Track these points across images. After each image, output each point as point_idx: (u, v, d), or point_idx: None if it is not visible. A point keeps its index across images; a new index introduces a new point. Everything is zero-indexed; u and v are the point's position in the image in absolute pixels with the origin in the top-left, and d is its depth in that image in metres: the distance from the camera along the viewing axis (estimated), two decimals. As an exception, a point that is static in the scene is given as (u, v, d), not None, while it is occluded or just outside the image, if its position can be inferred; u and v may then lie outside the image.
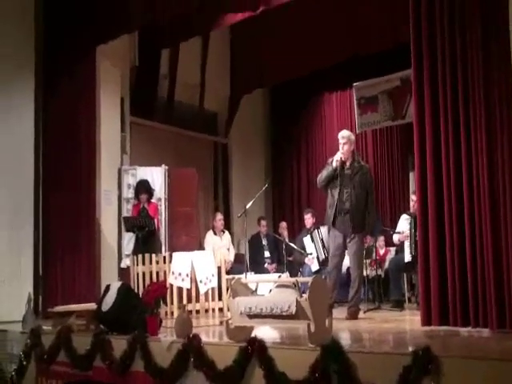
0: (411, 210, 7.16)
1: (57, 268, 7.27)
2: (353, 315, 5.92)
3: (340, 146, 6.09)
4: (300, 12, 8.14)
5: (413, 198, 7.09)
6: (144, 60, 8.97)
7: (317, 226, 8.31)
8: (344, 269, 6.59)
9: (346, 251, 6.18)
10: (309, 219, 8.53)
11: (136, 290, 6.43)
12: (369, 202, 6.01)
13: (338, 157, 6.03)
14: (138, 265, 7.01)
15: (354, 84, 9.66)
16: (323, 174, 6.14)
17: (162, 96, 9.45)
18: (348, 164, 6.07)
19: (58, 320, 5.56)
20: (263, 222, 9.33)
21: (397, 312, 6.57)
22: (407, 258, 6.80)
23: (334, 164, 6.02)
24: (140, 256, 7.02)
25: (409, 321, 5.95)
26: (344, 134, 6.12)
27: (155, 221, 7.72)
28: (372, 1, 8.03)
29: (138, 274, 6.97)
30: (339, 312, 6.00)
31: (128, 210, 8.14)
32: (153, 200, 8.10)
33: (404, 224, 7.07)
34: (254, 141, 10.88)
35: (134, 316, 5.05)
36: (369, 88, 9.55)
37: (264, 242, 9.20)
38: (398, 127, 9.75)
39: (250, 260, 8.35)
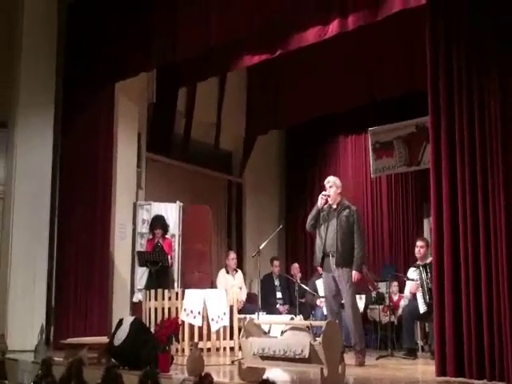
0: (418, 256, 7.13)
1: (70, 300, 7.28)
2: (362, 361, 5.86)
3: (327, 190, 6.24)
4: (317, 55, 8.29)
5: (421, 244, 7.07)
6: (161, 97, 9.13)
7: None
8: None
9: None
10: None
11: (147, 325, 6.43)
12: (355, 238, 6.06)
13: (324, 193, 6.21)
14: (150, 300, 7.01)
15: (370, 129, 9.76)
16: (310, 215, 6.29)
17: (179, 133, 9.56)
18: (335, 206, 6.19)
19: (69, 352, 5.56)
20: (276, 263, 9.31)
21: (410, 360, 6.50)
22: (422, 308, 6.72)
23: (319, 201, 6.17)
24: (153, 291, 7.03)
25: (422, 370, 5.89)
26: (330, 179, 6.35)
27: (169, 256, 7.74)
28: (390, 47, 8.17)
29: (150, 309, 6.97)
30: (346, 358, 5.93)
31: (142, 245, 8.18)
32: (167, 236, 8.14)
33: (412, 276, 7.05)
34: (268, 181, 10.95)
35: (145, 351, 5.06)
36: (384, 133, 9.64)
37: (276, 282, 9.17)
38: (412, 173, 9.78)
39: (261, 300, 8.33)
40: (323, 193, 6.23)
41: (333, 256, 6.05)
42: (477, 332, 4.64)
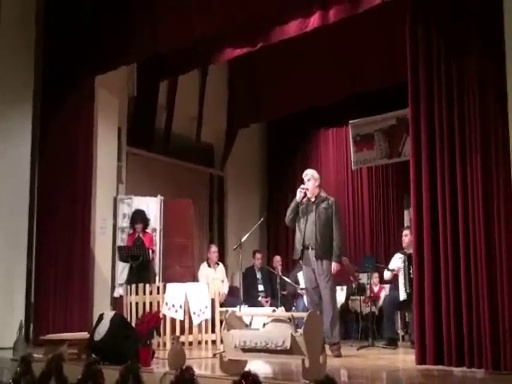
0: (404, 245, 7.21)
1: (49, 296, 7.21)
2: (338, 353, 5.87)
3: (305, 183, 6.24)
4: (298, 49, 8.28)
5: (405, 233, 7.13)
6: (142, 91, 9.04)
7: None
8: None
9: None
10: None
11: (129, 320, 6.39)
12: (334, 230, 6.06)
13: (302, 186, 6.21)
14: (131, 294, 6.98)
15: (350, 121, 9.78)
16: (289, 209, 6.29)
17: (160, 127, 9.51)
18: (313, 199, 6.20)
19: (49, 348, 5.50)
20: (258, 255, 9.33)
21: (390, 350, 6.56)
22: (402, 296, 6.80)
23: (298, 195, 6.17)
24: (134, 286, 7.00)
25: (402, 359, 5.93)
26: (307, 172, 6.34)
27: (150, 251, 7.70)
28: (371, 39, 8.17)
29: (131, 304, 6.95)
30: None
31: (123, 240, 8.12)
32: (148, 230, 8.09)
33: (397, 262, 7.10)
34: (249, 174, 10.93)
35: (126, 346, 5.04)
36: (365, 126, 9.67)
37: (258, 275, 9.18)
38: (393, 165, 9.83)
39: (243, 293, 8.32)
40: (301, 186, 6.23)
41: (312, 249, 6.05)
42: (456, 321, 4.68)
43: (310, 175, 6.26)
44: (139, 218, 7.89)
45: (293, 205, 6.26)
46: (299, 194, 6.18)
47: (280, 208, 10.84)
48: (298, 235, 6.21)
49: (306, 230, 6.10)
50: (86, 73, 7.55)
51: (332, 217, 6.10)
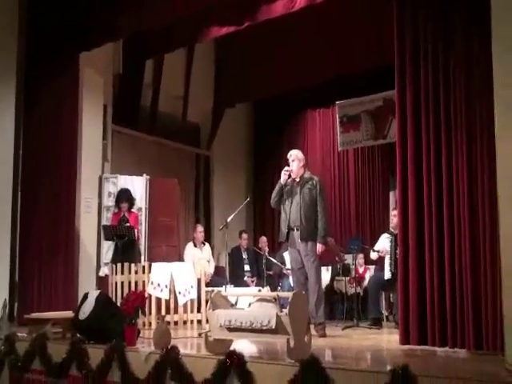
0: (391, 225, 7.24)
1: (34, 275, 7.17)
2: (323, 333, 5.90)
3: (290, 164, 6.22)
4: (286, 28, 8.22)
5: (393, 213, 7.17)
6: (128, 69, 8.94)
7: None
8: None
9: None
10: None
11: (114, 299, 6.38)
12: (319, 210, 6.04)
13: (286, 168, 6.18)
14: (116, 274, 6.97)
15: (337, 102, 9.76)
16: (274, 191, 6.28)
17: (145, 106, 9.44)
18: (298, 180, 6.18)
19: (33, 327, 5.49)
20: (244, 236, 9.34)
21: (375, 330, 6.61)
22: (387, 275, 6.86)
23: (282, 177, 6.15)
24: (119, 265, 6.99)
25: (387, 339, 5.98)
26: (292, 152, 6.30)
27: (135, 230, 7.68)
28: (358, 21, 8.13)
29: (116, 283, 6.94)
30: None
31: (108, 219, 8.08)
32: (133, 209, 8.06)
33: (384, 242, 7.14)
34: (236, 154, 10.91)
35: (111, 325, 5.03)
36: (351, 107, 9.66)
37: (244, 255, 9.20)
38: (379, 147, 9.85)
39: (229, 273, 8.34)
40: (285, 168, 6.19)
41: (297, 230, 6.04)
42: (439, 301, 4.73)
43: (294, 156, 6.23)
44: (125, 197, 7.85)
45: (277, 187, 6.24)
46: (283, 177, 6.16)
47: (266, 188, 10.85)
48: (283, 217, 6.20)
49: (291, 212, 6.09)
50: (70, 50, 7.44)
51: (316, 197, 6.09)
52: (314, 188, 6.11)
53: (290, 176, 6.19)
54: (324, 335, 5.87)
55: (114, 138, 8.79)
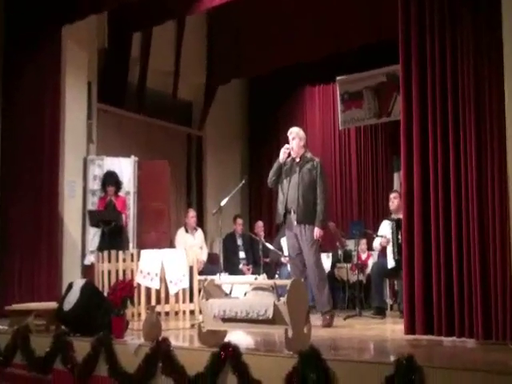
0: (391, 208, 7.25)
1: (15, 264, 7.18)
2: (330, 323, 5.92)
3: (290, 142, 6.20)
4: (283, 1, 8.16)
5: (394, 195, 7.17)
6: (114, 43, 8.92)
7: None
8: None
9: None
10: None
11: (100, 289, 6.39)
12: (318, 193, 6.04)
13: (286, 146, 6.16)
14: (103, 262, 6.97)
15: (338, 78, 9.74)
16: (271, 170, 6.28)
17: (133, 82, 9.40)
18: (298, 159, 6.17)
19: (15, 319, 5.50)
20: (239, 221, 9.35)
21: (378, 320, 6.64)
22: (390, 264, 6.86)
23: (281, 156, 6.14)
24: (106, 253, 6.99)
25: (391, 329, 6.02)
26: (292, 130, 6.29)
27: (123, 215, 7.67)
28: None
29: (102, 272, 6.94)
30: (313, 319, 6.02)
31: (93, 203, 8.07)
32: (121, 193, 8.05)
33: (386, 229, 7.14)
34: (230, 134, 10.89)
35: (98, 316, 5.04)
36: (353, 83, 9.65)
37: (239, 241, 9.23)
38: (382, 125, 9.84)
39: (223, 260, 8.34)
40: (285, 146, 6.18)
41: (294, 212, 6.04)
42: (446, 289, 4.73)
43: (294, 133, 6.22)
44: (111, 180, 7.84)
45: (275, 165, 6.23)
46: (282, 155, 6.15)
47: (262, 170, 10.82)
48: (280, 198, 6.20)
49: (289, 193, 6.09)
50: (51, 23, 7.40)
51: (316, 179, 6.08)
52: (314, 169, 6.11)
53: (289, 155, 6.17)
54: (328, 325, 5.87)
55: (99, 118, 8.75)
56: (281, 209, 6.17)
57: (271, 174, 6.28)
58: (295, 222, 6.04)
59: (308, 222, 6.01)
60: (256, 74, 10.03)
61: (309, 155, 6.24)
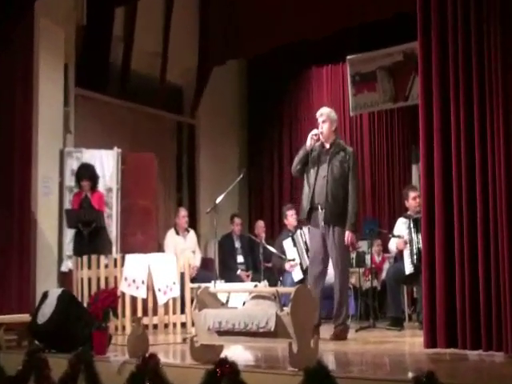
0: (409, 210, 7.23)
1: (-18, 271, 7.20)
2: (340, 335, 5.93)
3: (319, 126, 6.18)
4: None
5: (411, 194, 7.16)
6: (93, 19, 8.92)
7: (299, 226, 8.35)
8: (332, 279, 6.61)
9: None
10: (291, 218, 8.56)
11: (80, 299, 6.41)
12: (350, 189, 6.01)
13: (313, 132, 6.12)
14: (82, 268, 6.98)
15: (348, 57, 9.75)
16: (297, 157, 6.24)
17: (116, 64, 9.44)
18: (328, 146, 6.14)
19: (-18, 334, 5.50)
20: (237, 221, 9.36)
21: (395, 331, 6.66)
22: (408, 269, 6.86)
23: (308, 142, 6.09)
24: (85, 258, 6.99)
25: (409, 342, 6.05)
26: (323, 111, 6.23)
27: (104, 215, 7.68)
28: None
29: (82, 280, 6.95)
30: (324, 330, 6.04)
31: (71, 202, 8.07)
32: (101, 189, 8.07)
33: (401, 229, 7.13)
34: (227, 122, 10.90)
35: (77, 330, 5.06)
36: (365, 62, 9.67)
37: (237, 244, 9.23)
38: (399, 110, 9.87)
39: (219, 266, 8.36)
40: (313, 132, 6.11)
41: (322, 209, 5.99)
42: (471, 296, 4.73)
43: (325, 115, 6.15)
44: (86, 173, 7.84)
45: (301, 153, 6.16)
46: (310, 141, 6.07)
47: (263, 163, 10.91)
48: (305, 190, 6.14)
49: (316, 186, 6.04)
50: (22, -3, 7.38)
51: (348, 172, 6.03)
52: (346, 161, 6.06)
53: (318, 139, 6.10)
54: (339, 338, 5.86)
55: (77, 104, 8.78)
56: (305, 203, 6.10)
57: (296, 161, 6.22)
58: (322, 222, 5.99)
59: (337, 224, 5.96)
60: (255, 53, 10.02)
61: (341, 142, 6.20)
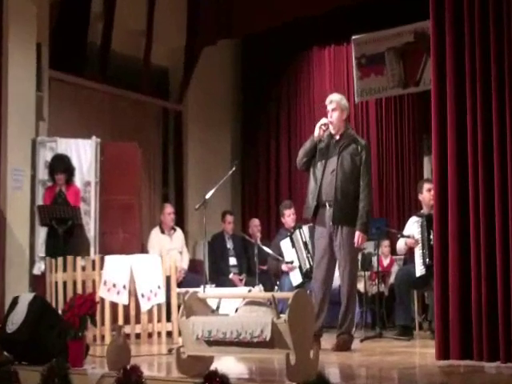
0: (423, 203, 7.24)
1: None
2: (343, 345, 5.94)
3: (328, 114, 6.17)
4: None
5: (426, 186, 7.18)
6: (69, -7, 8.93)
7: (299, 224, 8.36)
8: (335, 283, 6.64)
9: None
10: (290, 216, 8.55)
11: (54, 305, 6.43)
12: (361, 186, 6.00)
13: (322, 122, 6.11)
14: (56, 271, 6.98)
15: (354, 37, 9.74)
16: (303, 149, 6.24)
17: (94, 43, 9.44)
18: (337, 137, 6.13)
19: None
20: (229, 219, 9.37)
21: (404, 342, 6.66)
22: (419, 271, 6.88)
23: (316, 132, 6.09)
24: (60, 259, 7.00)
25: (420, 353, 6.05)
26: (333, 98, 6.23)
27: (81, 211, 7.68)
28: None
29: (56, 284, 6.96)
30: (327, 340, 6.07)
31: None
32: (77, 183, 8.07)
33: (413, 228, 7.15)
34: (218, 108, 10.91)
35: (50, 340, 5.04)
36: (373, 43, 9.67)
37: (229, 244, 9.25)
38: (409, 97, 9.87)
39: (209, 268, 8.37)
40: (322, 121, 6.11)
41: (330, 206, 6.00)
42: (489, 302, 4.74)
43: (336, 103, 6.14)
44: (60, 165, 7.85)
45: (308, 144, 6.17)
46: (318, 131, 6.07)
47: (259, 153, 10.91)
48: (311, 185, 6.14)
49: (324, 181, 6.04)
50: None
51: (360, 167, 6.02)
52: (358, 154, 6.05)
53: (327, 128, 6.09)
54: (342, 348, 5.88)
55: (51, 89, 8.79)
56: (311, 200, 6.10)
57: (302, 153, 6.22)
58: (330, 222, 6.00)
59: (346, 223, 5.96)
60: (250, 32, 10.04)
61: (353, 133, 6.20)
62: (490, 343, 4.72)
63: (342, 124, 6.15)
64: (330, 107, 6.14)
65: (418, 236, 6.99)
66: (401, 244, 7.37)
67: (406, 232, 7.33)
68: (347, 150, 6.05)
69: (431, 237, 6.63)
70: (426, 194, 7.22)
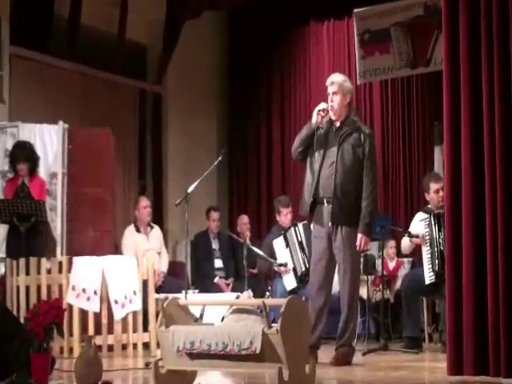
0: (431, 204, 7.28)
1: None
2: (343, 359, 5.96)
3: (328, 98, 6.15)
4: None
5: (432, 186, 7.22)
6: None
7: (294, 222, 8.37)
8: (334, 289, 6.67)
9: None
10: (287, 216, 8.53)
11: (15, 313, 6.43)
12: (365, 182, 6.00)
13: (321, 107, 6.08)
14: (18, 274, 6.99)
15: (355, 11, 9.75)
16: (299, 136, 6.23)
17: (61, 17, 9.44)
18: (338, 124, 6.12)
19: None
20: (214, 215, 9.39)
21: (412, 355, 6.68)
22: (428, 277, 6.90)
23: (314, 119, 6.07)
24: (22, 261, 7.00)
25: (429, 368, 6.08)
26: (335, 79, 6.18)
27: (46, 206, 7.67)
28: None
29: (18, 288, 6.96)
30: (325, 353, 6.08)
31: (3, 189, 8.08)
32: (42, 174, 8.06)
33: (420, 227, 7.16)
34: (201, 91, 10.93)
35: (10, 352, 5.03)
36: (377, 18, 9.69)
37: (215, 244, 9.28)
38: (419, 78, 9.89)
39: (192, 271, 8.37)
40: (320, 106, 6.07)
41: (328, 203, 6.01)
42: (507, 311, 4.76)
43: (337, 85, 6.10)
44: (23, 154, 7.84)
45: (305, 131, 6.14)
46: (317, 117, 6.04)
47: (248, 142, 10.90)
48: (308, 178, 6.13)
49: (322, 174, 6.03)
50: None
51: (363, 160, 6.01)
52: (360, 145, 6.02)
53: (327, 113, 6.06)
54: (342, 362, 5.89)
55: (12, 67, 8.80)
56: (308, 196, 6.09)
57: (297, 141, 6.19)
58: (329, 222, 6.00)
59: (346, 223, 5.96)
60: (237, 3, 10.03)
61: (356, 120, 6.16)
62: (509, 357, 4.75)
63: (344, 109, 6.12)
64: (330, 90, 6.11)
65: (425, 237, 6.98)
66: (405, 242, 7.36)
67: (411, 229, 7.34)
68: (348, 141, 6.03)
69: (440, 240, 6.66)
70: (434, 196, 7.23)
